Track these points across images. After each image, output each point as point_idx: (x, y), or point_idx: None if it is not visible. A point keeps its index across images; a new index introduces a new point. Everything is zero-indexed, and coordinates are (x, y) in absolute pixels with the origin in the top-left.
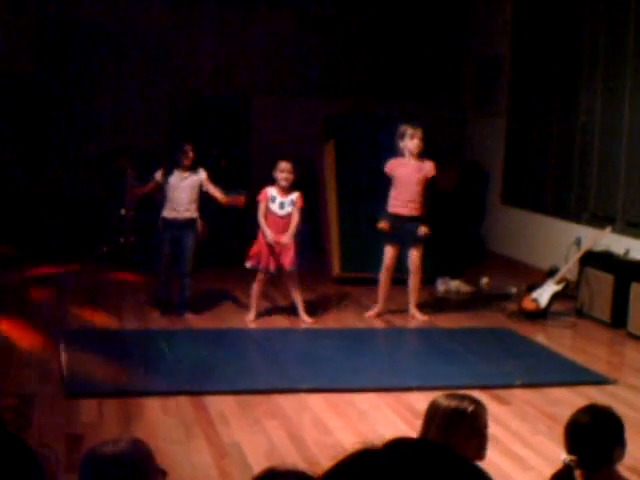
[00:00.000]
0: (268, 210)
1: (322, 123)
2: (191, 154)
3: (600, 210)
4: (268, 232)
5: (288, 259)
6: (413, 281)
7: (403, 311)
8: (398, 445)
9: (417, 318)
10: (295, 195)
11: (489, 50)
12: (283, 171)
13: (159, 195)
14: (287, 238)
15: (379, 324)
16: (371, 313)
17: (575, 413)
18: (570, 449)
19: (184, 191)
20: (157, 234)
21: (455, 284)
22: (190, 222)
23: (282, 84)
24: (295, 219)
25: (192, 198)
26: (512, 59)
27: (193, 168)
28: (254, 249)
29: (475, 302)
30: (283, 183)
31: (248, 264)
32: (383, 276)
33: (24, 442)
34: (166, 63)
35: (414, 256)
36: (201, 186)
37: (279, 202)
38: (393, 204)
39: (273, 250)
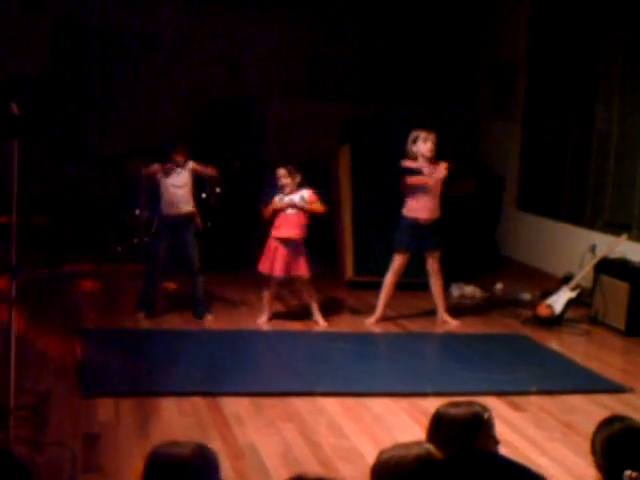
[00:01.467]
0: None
1: (339, 126)
2: (184, 152)
3: (616, 217)
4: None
5: (302, 267)
6: (436, 286)
7: (418, 316)
8: (463, 457)
9: (449, 323)
10: (306, 192)
11: (505, 56)
12: (279, 177)
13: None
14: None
15: (394, 328)
16: (372, 320)
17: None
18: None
19: (180, 187)
20: (156, 232)
21: (470, 289)
22: (189, 217)
23: (297, 87)
24: (319, 208)
25: (189, 193)
26: (528, 65)
27: (185, 167)
28: (264, 255)
29: (489, 308)
30: (284, 189)
31: (261, 269)
32: (389, 282)
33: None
34: (182, 65)
35: (434, 261)
36: (195, 176)
37: (288, 200)
38: (411, 209)
39: (284, 254)
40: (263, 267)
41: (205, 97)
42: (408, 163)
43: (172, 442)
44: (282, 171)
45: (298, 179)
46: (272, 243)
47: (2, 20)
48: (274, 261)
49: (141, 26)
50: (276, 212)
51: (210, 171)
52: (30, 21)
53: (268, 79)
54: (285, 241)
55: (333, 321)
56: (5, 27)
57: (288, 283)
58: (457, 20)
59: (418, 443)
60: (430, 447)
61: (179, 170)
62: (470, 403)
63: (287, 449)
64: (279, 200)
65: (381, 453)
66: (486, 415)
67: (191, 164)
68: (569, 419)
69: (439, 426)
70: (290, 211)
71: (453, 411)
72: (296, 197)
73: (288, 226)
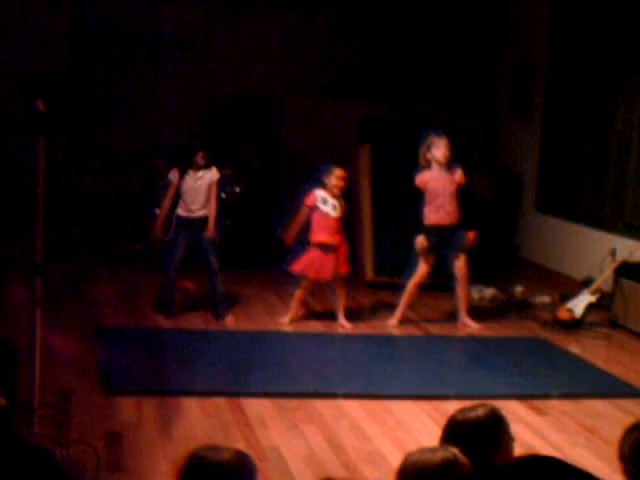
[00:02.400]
0: (319, 212)
1: (358, 125)
2: (205, 154)
3: (636, 220)
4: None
5: (344, 264)
6: (462, 289)
7: (439, 318)
8: (532, 462)
9: (470, 326)
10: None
11: (525, 56)
12: (337, 177)
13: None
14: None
15: (415, 330)
16: (393, 321)
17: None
18: None
19: (199, 190)
20: (172, 232)
21: (489, 292)
22: (204, 220)
23: (316, 85)
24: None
25: (206, 197)
26: (548, 66)
27: (207, 167)
28: (304, 257)
29: (509, 310)
30: (336, 191)
31: (295, 270)
32: (412, 285)
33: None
34: (201, 63)
35: (461, 264)
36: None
37: (332, 204)
38: (432, 216)
39: (328, 261)
40: (300, 268)
41: (225, 95)
42: (418, 181)
43: (212, 446)
44: (343, 173)
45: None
46: (317, 248)
47: (23, 16)
48: (316, 266)
49: (163, 23)
50: (313, 210)
51: (211, 211)
52: (50, 17)
53: (287, 77)
54: (328, 247)
55: (354, 322)
56: (26, 23)
57: (318, 285)
58: (477, 19)
59: (444, 447)
60: (456, 451)
61: (200, 173)
62: (483, 405)
63: (310, 452)
64: (323, 199)
65: (407, 456)
66: (503, 416)
67: (216, 176)
68: (592, 424)
69: (457, 430)
70: (333, 214)
71: (472, 414)
72: (337, 202)
73: (332, 230)
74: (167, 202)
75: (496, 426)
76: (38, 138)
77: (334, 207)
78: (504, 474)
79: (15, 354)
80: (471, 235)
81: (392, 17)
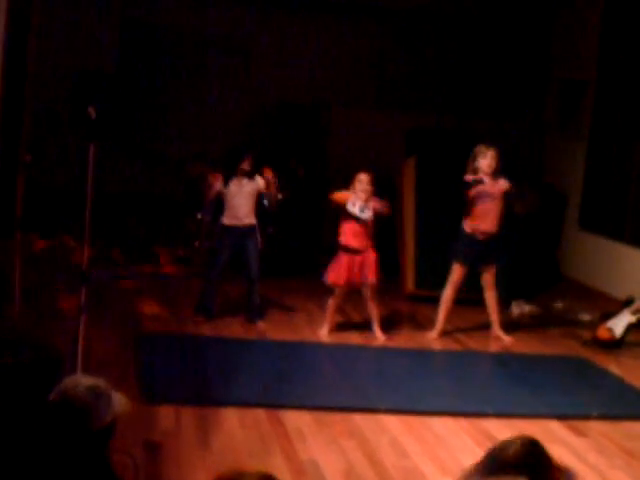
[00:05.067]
0: (347, 214)
1: (403, 137)
2: (251, 161)
3: None
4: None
5: (372, 272)
6: (492, 300)
7: (476, 331)
8: None
9: (503, 339)
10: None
11: (574, 72)
12: (361, 182)
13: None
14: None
15: (453, 345)
16: (433, 334)
17: None
18: None
19: (244, 198)
20: (217, 240)
21: (529, 308)
22: (250, 229)
23: (364, 96)
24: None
25: (251, 205)
26: (597, 82)
27: (251, 175)
28: (334, 265)
29: (549, 327)
30: (361, 195)
31: (327, 280)
32: (448, 295)
33: None
34: (249, 69)
35: (489, 275)
36: (258, 194)
37: (360, 206)
38: (471, 223)
39: (355, 264)
40: (330, 277)
41: (271, 102)
42: (470, 176)
43: (239, 472)
44: (367, 177)
45: (372, 189)
46: (342, 253)
47: (73, 17)
48: (343, 271)
49: (210, 29)
50: (340, 208)
51: (274, 189)
52: (100, 19)
53: (334, 87)
54: (356, 251)
55: (392, 335)
56: (76, 24)
57: (353, 294)
58: (527, 34)
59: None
60: None
61: (245, 181)
62: (520, 437)
63: (349, 467)
64: (353, 204)
65: None
66: (541, 446)
67: (261, 183)
68: (631, 446)
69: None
70: (363, 217)
71: (509, 449)
72: (367, 205)
73: (361, 235)
74: (210, 208)
75: (535, 458)
76: (89, 146)
77: (362, 210)
78: None
79: (59, 365)
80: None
81: (441, 30)
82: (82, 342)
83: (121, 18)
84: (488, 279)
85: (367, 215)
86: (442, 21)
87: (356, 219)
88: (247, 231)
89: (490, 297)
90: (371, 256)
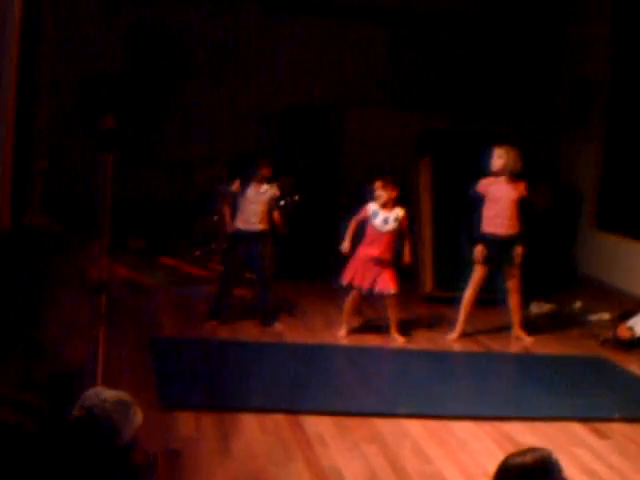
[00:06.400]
0: (370, 225)
1: (415, 139)
2: (269, 167)
3: None
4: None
5: (389, 283)
6: (514, 302)
7: (496, 333)
8: None
9: (523, 339)
10: (400, 212)
11: (588, 72)
12: (379, 188)
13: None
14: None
15: (473, 346)
16: (454, 335)
17: None
18: None
19: (259, 204)
20: (229, 244)
21: (547, 307)
22: (262, 234)
23: (377, 97)
24: (408, 241)
25: (266, 211)
26: (611, 81)
27: (269, 182)
28: (349, 267)
29: (567, 327)
30: (383, 201)
31: (344, 282)
32: (469, 295)
33: None
34: (260, 71)
35: (513, 276)
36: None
37: (383, 217)
38: (488, 223)
39: (369, 269)
40: (347, 279)
41: (283, 105)
42: (480, 185)
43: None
44: (378, 183)
45: (394, 194)
46: (360, 258)
47: (80, 21)
48: (360, 274)
49: (219, 31)
50: (365, 222)
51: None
52: (108, 21)
53: (347, 88)
54: (375, 259)
55: (411, 336)
56: (83, 28)
57: (371, 299)
58: (539, 34)
59: None
60: None
61: (263, 187)
62: (534, 449)
63: (372, 474)
64: (374, 212)
65: None
66: (554, 458)
67: (277, 193)
68: None
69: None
70: (384, 229)
71: (520, 459)
72: (391, 216)
73: (380, 244)
74: (228, 212)
75: (548, 470)
76: (104, 156)
77: (385, 221)
78: None
79: (78, 379)
80: (519, 250)
81: (453, 30)
82: (102, 354)
83: (130, 20)
84: (512, 281)
85: (391, 227)
86: (456, 22)
87: (377, 230)
88: (257, 236)
89: (515, 300)
90: (389, 267)
